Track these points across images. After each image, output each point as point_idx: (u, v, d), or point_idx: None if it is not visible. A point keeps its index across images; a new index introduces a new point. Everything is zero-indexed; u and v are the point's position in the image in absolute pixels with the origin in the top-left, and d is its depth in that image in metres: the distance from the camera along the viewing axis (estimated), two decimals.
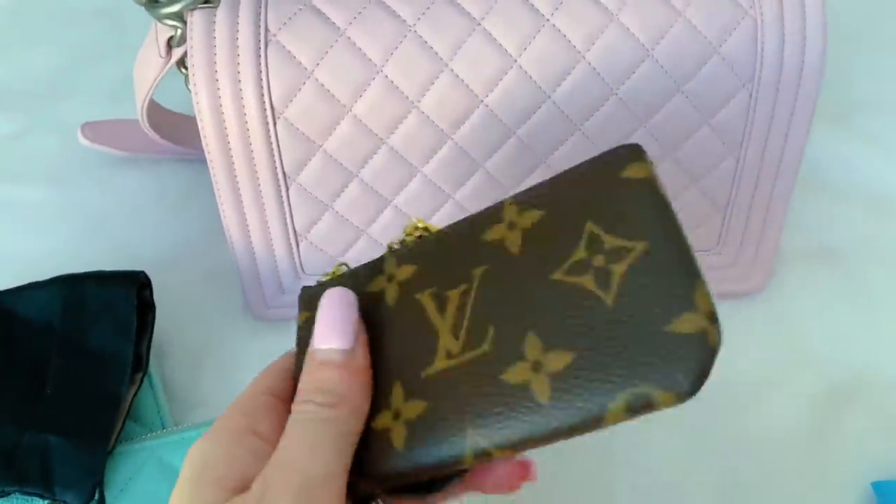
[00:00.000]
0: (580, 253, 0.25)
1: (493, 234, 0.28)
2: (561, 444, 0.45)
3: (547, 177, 0.43)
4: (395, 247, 0.31)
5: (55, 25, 0.66)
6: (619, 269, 0.24)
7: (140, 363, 0.45)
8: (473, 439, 0.25)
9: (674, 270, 0.24)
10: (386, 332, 0.29)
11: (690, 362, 0.22)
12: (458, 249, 0.29)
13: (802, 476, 0.44)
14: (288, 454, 0.26)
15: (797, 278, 0.51)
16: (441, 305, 0.28)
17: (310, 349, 0.29)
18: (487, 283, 0.27)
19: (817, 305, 0.50)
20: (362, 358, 0.29)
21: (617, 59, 0.40)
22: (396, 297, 0.29)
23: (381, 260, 0.31)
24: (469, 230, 0.29)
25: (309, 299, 0.31)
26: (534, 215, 0.27)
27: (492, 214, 0.29)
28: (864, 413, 0.46)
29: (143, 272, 0.47)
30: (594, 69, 0.40)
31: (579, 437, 0.25)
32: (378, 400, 0.28)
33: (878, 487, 0.42)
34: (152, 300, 0.47)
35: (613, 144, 0.42)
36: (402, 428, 0.27)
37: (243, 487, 0.26)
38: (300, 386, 0.28)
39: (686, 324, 0.23)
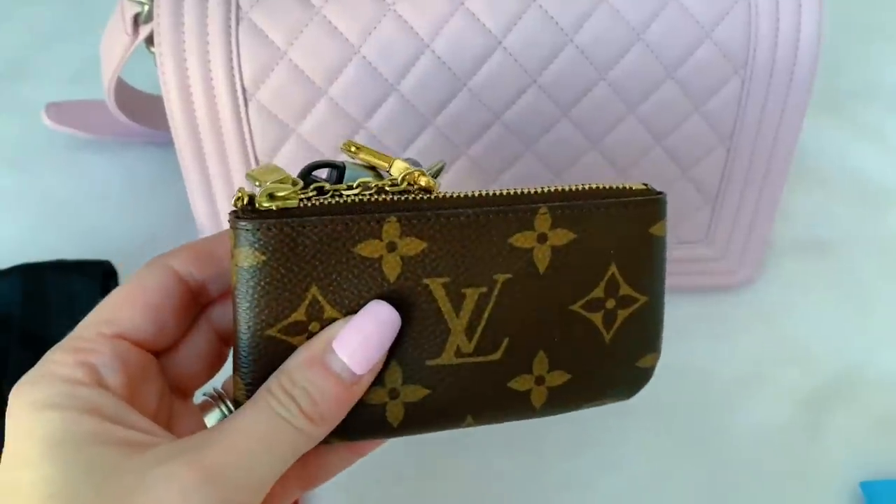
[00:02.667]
0: (598, 292, 0.29)
1: (522, 241, 0.27)
2: (545, 445, 0.44)
3: (533, 166, 0.42)
4: (383, 187, 0.27)
5: (16, 2, 0.64)
6: (623, 314, 0.29)
7: None
8: (468, 423, 0.29)
9: (655, 322, 0.30)
10: None
11: (641, 385, 0.31)
12: (480, 244, 0.27)
13: (790, 476, 0.43)
14: (239, 443, 0.24)
15: (787, 271, 0.50)
16: (456, 303, 0.27)
17: (321, 342, 0.26)
18: (508, 292, 0.28)
19: (807, 299, 0.49)
20: (366, 387, 0.26)
21: (606, 43, 0.38)
22: (399, 274, 0.27)
23: (375, 216, 0.26)
24: (493, 226, 0.27)
25: (261, 236, 0.25)
26: (566, 236, 0.28)
27: (521, 217, 0.27)
28: (852, 411, 0.45)
29: (108, 261, 0.46)
30: (582, 52, 0.39)
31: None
32: None
33: (866, 488, 0.42)
34: None
35: (602, 132, 0.41)
36: (399, 408, 0.28)
37: (133, 446, 0.24)
38: (288, 370, 0.25)
39: (649, 361, 0.31)
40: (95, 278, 0.44)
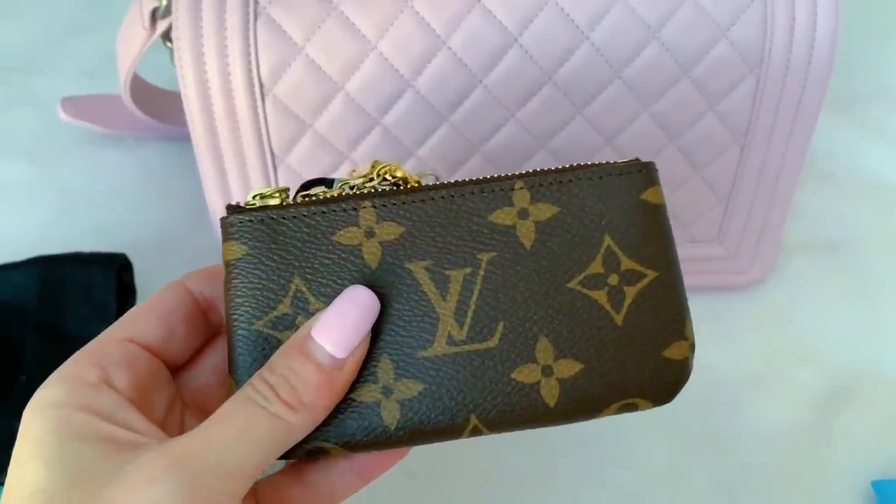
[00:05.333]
0: (596, 266, 0.27)
1: (501, 217, 0.27)
2: (554, 443, 0.44)
3: (548, 163, 0.42)
4: (362, 187, 0.28)
5: None
6: (631, 291, 0.27)
7: None
8: (474, 424, 0.27)
9: (675, 302, 0.28)
10: None
11: (677, 384, 0.28)
12: (458, 223, 0.27)
13: (801, 475, 0.43)
14: (213, 431, 0.24)
15: (799, 271, 0.50)
16: (442, 286, 0.27)
17: (303, 331, 0.26)
18: (495, 272, 0.27)
19: (819, 299, 0.49)
20: (350, 374, 0.26)
21: (622, 41, 0.39)
22: (379, 260, 0.27)
23: (351, 204, 0.27)
24: (470, 205, 0.27)
25: (244, 229, 0.27)
26: (549, 210, 0.27)
27: (498, 194, 0.27)
28: (864, 410, 0.45)
29: (123, 254, 0.46)
30: (597, 50, 0.39)
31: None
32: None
33: (879, 486, 0.42)
34: (133, 283, 0.46)
35: (616, 130, 0.41)
36: (394, 406, 0.27)
37: (118, 444, 0.24)
38: (269, 363, 0.26)
39: (677, 351, 0.28)
40: (111, 271, 0.44)
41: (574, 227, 0.27)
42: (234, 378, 0.27)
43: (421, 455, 0.43)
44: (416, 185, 0.28)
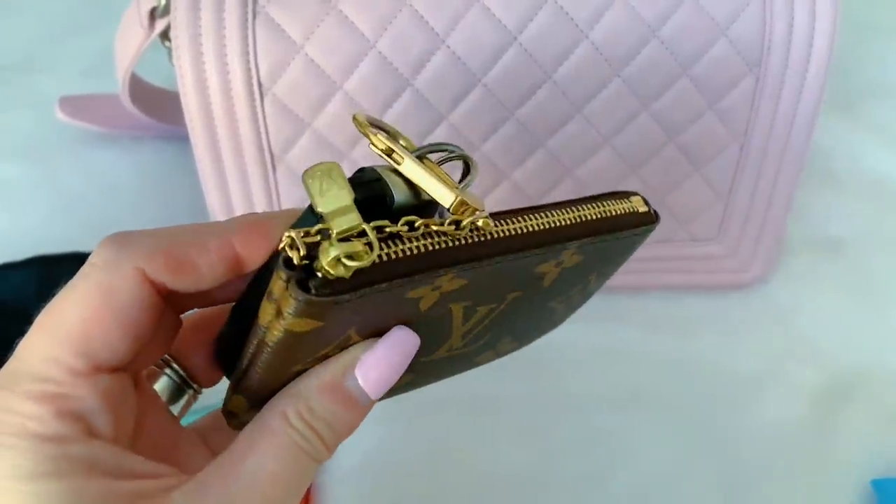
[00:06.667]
0: (574, 291, 0.30)
1: (544, 269, 0.27)
2: (555, 439, 0.44)
3: (546, 161, 0.42)
4: (445, 231, 0.23)
5: None
6: (576, 294, 0.31)
7: None
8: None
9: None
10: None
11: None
12: (509, 275, 0.26)
13: (801, 473, 0.43)
14: (268, 490, 0.22)
15: (799, 270, 0.50)
16: (467, 317, 0.27)
17: (341, 368, 0.24)
18: (512, 305, 0.28)
19: (819, 298, 0.49)
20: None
21: (621, 40, 0.38)
22: (433, 304, 0.24)
23: (437, 273, 0.23)
24: (529, 262, 0.26)
25: (331, 308, 0.21)
26: (575, 259, 0.28)
27: (553, 254, 0.26)
28: (864, 409, 0.45)
29: None
30: (597, 49, 0.39)
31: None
32: None
33: (878, 485, 0.42)
34: None
35: (615, 128, 0.41)
36: None
37: (143, 497, 0.21)
38: (306, 399, 0.23)
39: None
40: None
41: (584, 269, 0.29)
42: (244, 398, 0.25)
43: (422, 455, 0.43)
44: (493, 237, 0.25)
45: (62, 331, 0.22)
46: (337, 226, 0.21)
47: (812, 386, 0.46)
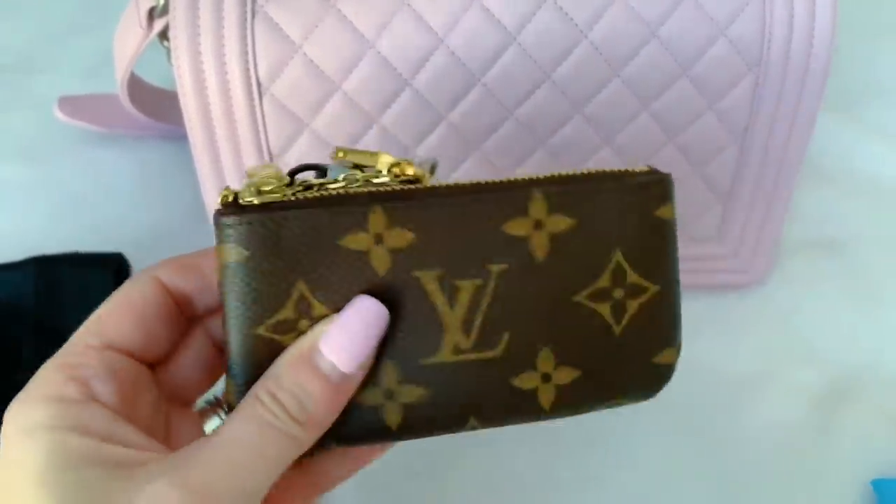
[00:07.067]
0: (605, 281, 0.27)
1: (516, 228, 0.26)
2: (556, 441, 0.44)
3: (546, 162, 0.42)
4: (371, 180, 0.27)
5: None
6: (633, 304, 0.27)
7: None
8: (472, 424, 0.28)
9: (670, 314, 0.28)
10: None
11: (661, 385, 0.29)
12: (472, 234, 0.26)
13: (801, 474, 0.43)
14: (225, 455, 0.23)
15: (798, 270, 0.50)
16: (451, 296, 0.26)
17: (309, 341, 0.25)
18: (505, 284, 0.26)
19: (818, 298, 0.49)
20: (356, 385, 0.26)
21: (620, 39, 0.38)
22: (388, 267, 0.26)
23: (359, 206, 0.25)
24: (484, 212, 0.26)
25: (243, 230, 0.25)
26: (565, 223, 0.26)
27: (514, 202, 0.26)
28: (864, 409, 0.45)
29: (121, 254, 0.46)
30: (596, 49, 0.38)
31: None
32: None
33: (878, 486, 0.42)
34: None
35: (615, 129, 0.41)
36: (396, 409, 0.27)
37: (122, 464, 0.23)
38: (276, 376, 0.25)
39: (665, 356, 0.28)
40: (109, 271, 0.44)
41: (587, 241, 0.27)
42: (233, 381, 0.26)
43: (422, 455, 0.43)
44: (429, 185, 0.27)
45: (90, 321, 0.26)
46: (261, 171, 0.26)
47: (812, 386, 0.46)
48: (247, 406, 0.25)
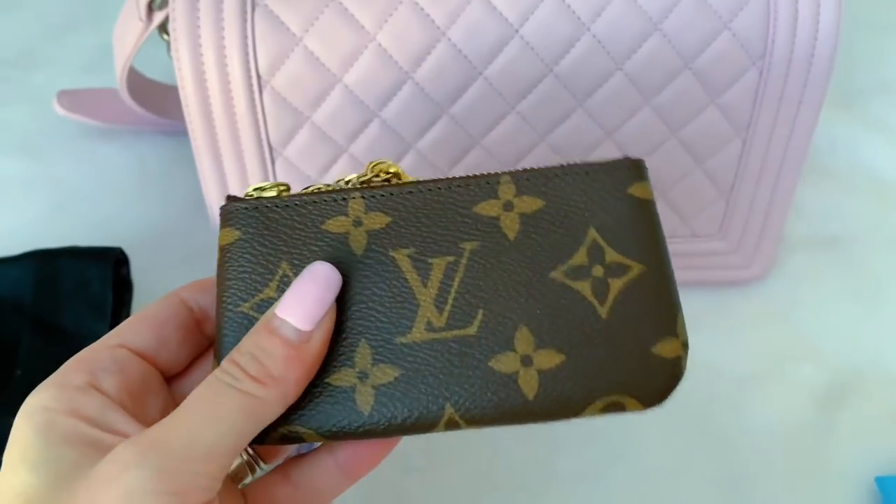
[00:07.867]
0: (581, 258, 0.27)
1: (486, 209, 0.28)
2: (556, 440, 0.44)
3: (547, 156, 0.42)
4: (356, 182, 0.29)
5: None
6: (616, 284, 0.27)
7: None
8: (450, 414, 0.26)
9: (663, 297, 0.27)
10: (350, 282, 0.27)
11: (668, 383, 0.26)
12: (443, 214, 0.28)
13: (804, 471, 0.43)
14: (184, 415, 0.24)
15: (800, 267, 0.50)
16: (423, 273, 0.27)
17: (270, 311, 0.26)
18: (478, 261, 0.27)
19: (820, 295, 0.49)
20: (319, 346, 0.26)
21: (623, 33, 0.38)
22: (365, 247, 0.28)
23: (341, 195, 0.28)
24: (456, 197, 0.28)
25: (240, 215, 0.28)
26: (535, 203, 0.28)
27: (484, 186, 0.28)
28: (866, 406, 0.45)
29: (120, 249, 0.45)
30: (599, 42, 0.38)
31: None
32: (335, 352, 0.27)
33: (882, 482, 0.41)
34: (129, 278, 0.46)
35: (617, 122, 0.41)
36: (369, 391, 0.27)
37: (99, 447, 0.24)
38: (239, 344, 0.26)
39: (667, 348, 0.26)
40: (107, 265, 0.44)
41: (558, 220, 0.27)
42: (218, 361, 0.27)
43: (421, 452, 0.43)
44: (407, 180, 0.29)
45: (117, 327, 0.29)
46: (266, 182, 0.30)
47: (814, 383, 0.46)
48: (210, 375, 0.26)
